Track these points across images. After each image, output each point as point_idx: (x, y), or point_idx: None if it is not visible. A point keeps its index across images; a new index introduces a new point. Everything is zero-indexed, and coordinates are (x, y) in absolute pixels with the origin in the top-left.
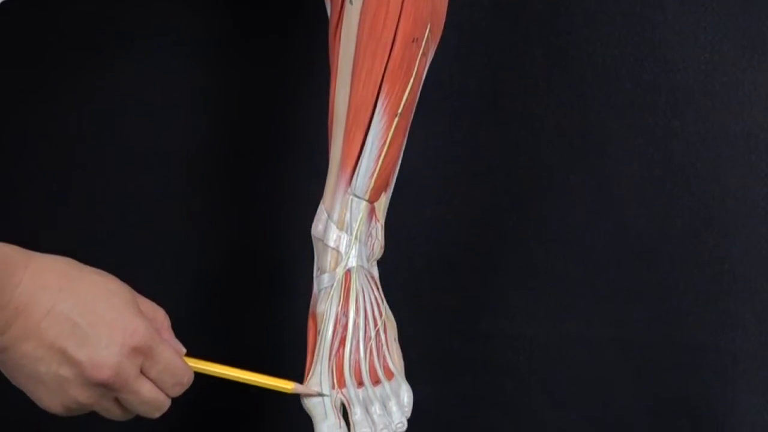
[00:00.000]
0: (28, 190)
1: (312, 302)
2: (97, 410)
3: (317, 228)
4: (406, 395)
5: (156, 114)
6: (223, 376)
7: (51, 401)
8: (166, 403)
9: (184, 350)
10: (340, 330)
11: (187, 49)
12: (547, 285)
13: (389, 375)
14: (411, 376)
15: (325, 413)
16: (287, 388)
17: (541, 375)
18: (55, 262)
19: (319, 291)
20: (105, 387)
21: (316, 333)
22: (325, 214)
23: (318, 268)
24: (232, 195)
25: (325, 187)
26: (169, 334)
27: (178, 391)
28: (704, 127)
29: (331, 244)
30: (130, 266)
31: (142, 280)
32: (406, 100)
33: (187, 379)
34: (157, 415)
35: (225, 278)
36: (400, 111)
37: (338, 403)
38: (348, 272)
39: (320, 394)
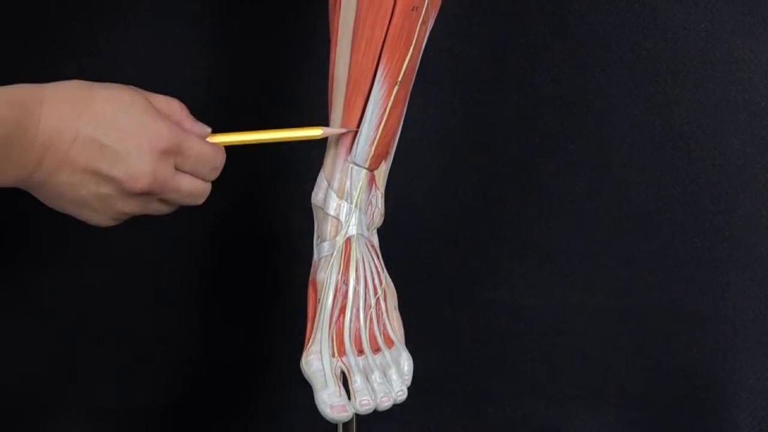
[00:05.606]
0: None
1: (312, 270)
2: (145, 213)
3: (317, 196)
4: (407, 363)
5: (156, 79)
6: (251, 142)
7: (100, 218)
8: (208, 189)
9: (209, 129)
10: (340, 298)
11: (188, 15)
12: (546, 253)
13: (389, 343)
14: (411, 345)
15: (326, 381)
16: (316, 135)
17: (541, 343)
18: (66, 90)
19: (319, 259)
20: (147, 195)
21: (316, 301)
22: (325, 182)
23: (318, 236)
24: (231, 163)
25: (325, 155)
26: (190, 123)
27: (215, 175)
28: (704, 95)
29: (331, 212)
30: (126, 228)
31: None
32: (406, 68)
33: (220, 161)
34: (201, 201)
35: (223, 247)
36: (399, 79)
37: (338, 372)
38: (348, 240)
39: (349, 131)
